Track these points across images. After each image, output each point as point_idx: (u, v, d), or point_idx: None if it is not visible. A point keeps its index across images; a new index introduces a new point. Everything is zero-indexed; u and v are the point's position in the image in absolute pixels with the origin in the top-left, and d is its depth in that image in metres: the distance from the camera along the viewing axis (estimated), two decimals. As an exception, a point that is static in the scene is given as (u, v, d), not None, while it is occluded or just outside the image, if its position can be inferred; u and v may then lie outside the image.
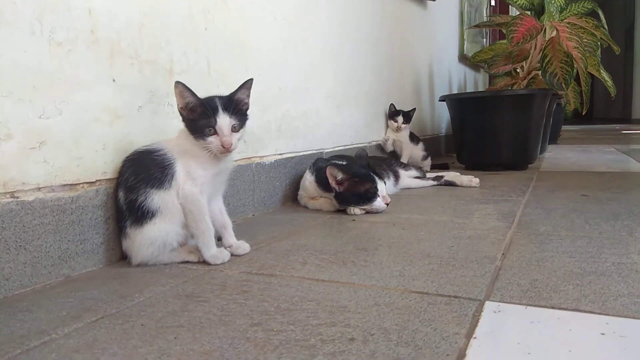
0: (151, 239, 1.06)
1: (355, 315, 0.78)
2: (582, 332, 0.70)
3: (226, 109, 1.07)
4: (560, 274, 0.94)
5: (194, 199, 1.07)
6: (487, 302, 0.82)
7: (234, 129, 1.08)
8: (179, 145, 1.10)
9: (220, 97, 1.09)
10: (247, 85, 1.12)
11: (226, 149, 1.06)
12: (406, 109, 2.82)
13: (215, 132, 1.06)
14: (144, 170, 1.07)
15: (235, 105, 1.09)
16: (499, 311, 0.78)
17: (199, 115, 1.06)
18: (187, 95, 1.06)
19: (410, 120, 2.78)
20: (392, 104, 2.79)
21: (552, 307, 0.79)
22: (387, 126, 2.83)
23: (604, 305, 0.79)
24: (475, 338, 0.69)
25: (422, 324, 0.74)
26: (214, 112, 1.06)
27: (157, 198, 1.06)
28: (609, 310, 0.77)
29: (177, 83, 1.05)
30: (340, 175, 1.58)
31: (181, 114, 1.09)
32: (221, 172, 1.14)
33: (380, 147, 2.78)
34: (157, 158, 1.08)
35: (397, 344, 0.68)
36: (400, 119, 2.74)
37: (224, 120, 1.06)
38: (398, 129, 2.75)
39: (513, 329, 0.72)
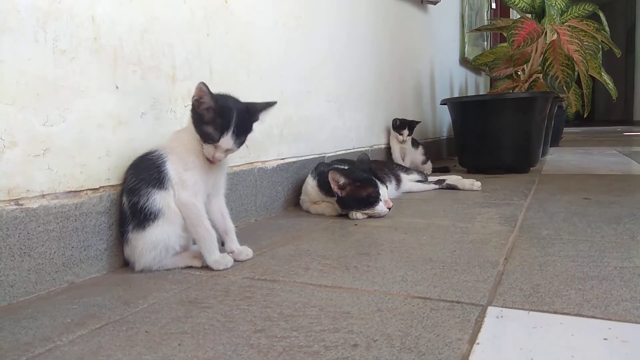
0: (153, 242, 1.07)
1: (358, 321, 0.78)
2: (585, 337, 0.70)
3: (236, 130, 1.07)
4: (563, 279, 0.94)
5: (189, 204, 1.08)
6: (489, 308, 0.82)
7: (230, 150, 1.10)
8: (171, 145, 1.12)
9: (242, 110, 1.09)
10: (268, 108, 1.14)
11: (211, 162, 1.09)
12: (408, 114, 2.82)
13: (214, 144, 1.07)
14: (143, 172, 1.09)
15: (246, 128, 1.10)
16: (502, 316, 0.79)
17: (209, 120, 1.06)
18: (206, 99, 1.05)
19: (413, 129, 2.81)
20: (395, 118, 2.81)
21: (555, 312, 0.79)
22: (389, 136, 2.85)
23: (607, 310, 0.79)
24: (478, 344, 0.69)
25: (425, 329, 0.74)
26: (224, 130, 1.06)
27: (158, 198, 1.07)
28: (611, 315, 0.77)
29: (202, 84, 1.03)
30: (342, 180, 1.58)
31: (193, 105, 1.08)
32: (214, 170, 1.14)
33: (381, 151, 2.79)
34: (153, 158, 1.10)
35: (400, 350, 0.68)
36: (406, 132, 2.77)
37: (227, 142, 1.07)
38: (404, 142, 2.80)
39: (516, 334, 0.72)
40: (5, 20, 0.91)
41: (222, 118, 1.06)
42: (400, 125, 2.77)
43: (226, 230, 1.18)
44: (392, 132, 2.82)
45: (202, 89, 1.03)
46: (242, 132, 1.09)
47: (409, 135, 2.77)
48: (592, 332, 0.72)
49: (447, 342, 0.70)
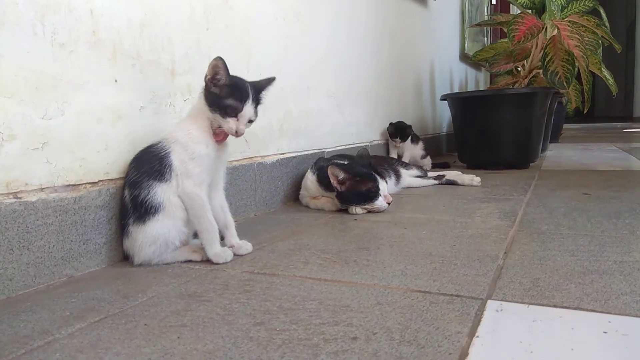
0: (154, 237, 1.06)
1: (357, 314, 0.78)
2: (584, 330, 0.70)
3: (254, 99, 1.11)
4: (562, 273, 0.94)
5: (193, 194, 1.08)
6: (489, 301, 0.82)
7: (250, 121, 1.12)
8: (175, 135, 1.11)
9: (251, 85, 1.12)
10: (271, 83, 1.17)
11: (236, 136, 1.10)
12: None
13: (236, 116, 1.08)
14: (145, 164, 1.09)
15: (258, 99, 1.13)
16: (501, 310, 0.78)
17: (227, 94, 1.08)
18: (222, 74, 1.07)
19: (409, 136, 2.79)
20: (390, 123, 2.79)
21: (554, 306, 0.79)
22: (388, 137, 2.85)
23: (606, 304, 0.79)
24: (477, 337, 0.69)
25: (424, 322, 0.74)
26: (244, 99, 1.08)
27: (159, 191, 1.07)
28: (611, 309, 0.77)
29: (218, 58, 1.05)
30: (341, 175, 1.58)
31: (206, 84, 1.09)
32: (217, 160, 1.14)
33: (380, 147, 2.78)
34: (156, 150, 1.10)
35: (400, 343, 0.68)
36: (398, 140, 2.77)
37: (249, 110, 1.09)
38: (398, 147, 2.81)
39: (515, 327, 0.72)
40: (4, 14, 0.90)
41: (239, 89, 1.09)
42: (394, 133, 2.76)
43: (226, 225, 1.18)
44: (389, 140, 2.81)
45: (218, 64, 1.05)
46: (256, 102, 1.12)
47: (402, 142, 2.77)
48: (591, 326, 0.72)
49: (447, 335, 0.70)
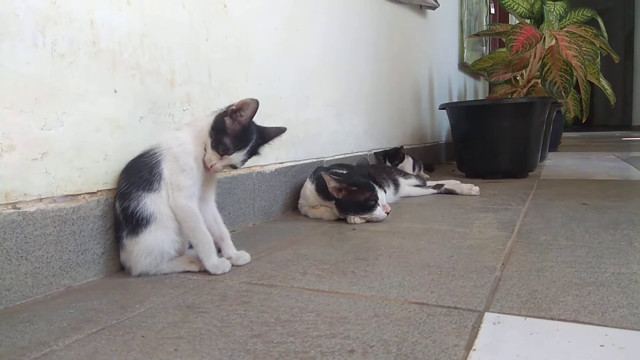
0: (147, 248, 1.06)
1: (355, 326, 0.78)
2: (581, 343, 0.70)
3: (249, 151, 1.12)
4: (560, 285, 0.94)
5: (185, 207, 1.07)
6: (486, 314, 0.82)
7: (232, 166, 1.13)
8: (169, 144, 1.10)
9: (260, 135, 1.13)
10: (280, 135, 1.20)
11: (210, 169, 1.11)
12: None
13: (221, 155, 1.09)
14: (134, 175, 1.08)
15: (256, 152, 1.15)
16: (499, 322, 0.78)
17: (231, 133, 1.08)
18: (246, 114, 1.08)
19: (402, 157, 2.65)
20: (375, 153, 2.65)
21: (552, 319, 0.79)
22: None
23: (603, 317, 0.79)
24: (474, 350, 0.69)
25: (421, 335, 0.74)
26: (240, 146, 1.09)
27: (149, 202, 1.06)
28: (608, 322, 0.77)
29: (256, 102, 1.07)
30: (333, 182, 1.58)
31: (226, 111, 1.10)
32: (207, 175, 1.15)
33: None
34: (146, 160, 1.09)
35: (397, 356, 0.68)
36: (396, 163, 2.61)
37: (237, 158, 1.11)
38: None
39: (512, 340, 0.72)
40: (5, 24, 0.91)
41: (243, 137, 1.09)
42: (384, 158, 2.62)
43: (222, 236, 1.17)
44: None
45: (251, 106, 1.07)
46: (251, 154, 1.13)
47: (399, 163, 2.62)
48: (588, 339, 0.72)
49: (444, 349, 0.70)
